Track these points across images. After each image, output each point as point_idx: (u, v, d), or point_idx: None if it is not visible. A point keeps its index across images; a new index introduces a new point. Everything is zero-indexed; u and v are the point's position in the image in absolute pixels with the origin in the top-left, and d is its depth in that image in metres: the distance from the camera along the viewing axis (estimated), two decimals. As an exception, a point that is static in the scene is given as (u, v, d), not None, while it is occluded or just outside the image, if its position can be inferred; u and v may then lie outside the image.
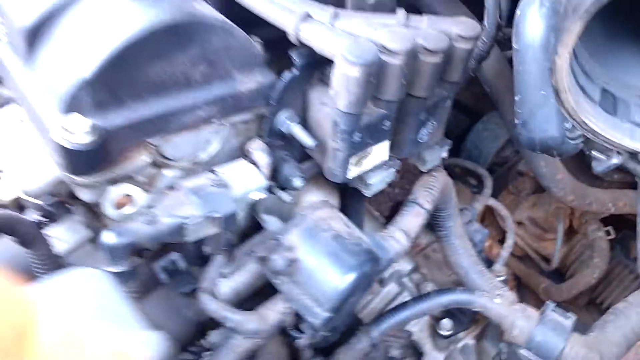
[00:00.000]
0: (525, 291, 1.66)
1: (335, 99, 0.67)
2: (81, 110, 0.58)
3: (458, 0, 0.95)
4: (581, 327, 1.71)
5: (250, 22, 0.69)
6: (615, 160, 0.54)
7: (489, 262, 1.20)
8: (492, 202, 1.24)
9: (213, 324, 0.75)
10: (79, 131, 0.56)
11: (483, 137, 1.49)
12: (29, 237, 0.59)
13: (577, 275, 1.48)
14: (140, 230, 0.60)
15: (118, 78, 0.58)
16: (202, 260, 0.75)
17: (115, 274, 0.59)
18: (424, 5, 0.94)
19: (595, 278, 1.44)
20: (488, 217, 1.53)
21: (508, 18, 0.87)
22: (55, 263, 0.62)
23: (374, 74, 0.65)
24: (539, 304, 1.68)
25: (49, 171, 0.63)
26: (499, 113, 1.09)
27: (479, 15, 0.92)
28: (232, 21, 0.66)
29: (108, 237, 0.59)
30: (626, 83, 0.52)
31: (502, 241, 1.41)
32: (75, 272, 0.43)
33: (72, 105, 0.58)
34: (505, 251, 1.18)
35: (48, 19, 0.61)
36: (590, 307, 1.62)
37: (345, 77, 0.64)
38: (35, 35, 0.61)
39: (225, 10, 0.68)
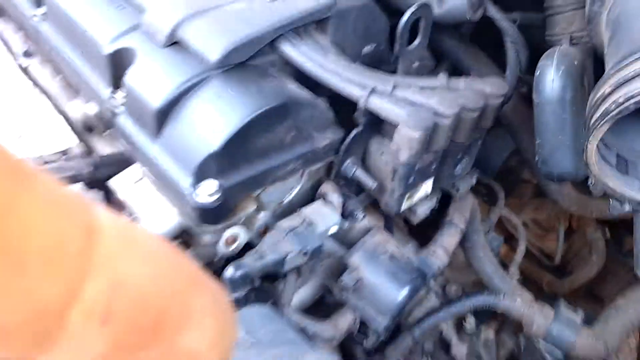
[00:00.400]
0: (529, 285, 1.86)
1: (396, 152, 0.84)
2: (207, 176, 0.74)
3: (484, 56, 1.12)
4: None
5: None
6: (627, 207, 0.71)
7: (503, 265, 1.39)
8: (505, 212, 1.42)
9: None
10: (209, 193, 0.72)
11: (491, 149, 1.66)
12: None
13: (577, 271, 1.67)
14: (252, 264, 0.77)
15: (236, 150, 0.75)
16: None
17: (235, 299, 0.75)
18: (458, 61, 1.11)
19: (594, 273, 1.63)
20: (498, 223, 1.70)
21: (526, 68, 1.04)
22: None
23: (429, 134, 0.82)
24: (541, 296, 1.89)
25: (172, 218, 0.79)
26: (512, 138, 1.28)
27: (500, 62, 1.09)
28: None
29: (229, 271, 0.75)
30: (633, 148, 0.69)
31: (507, 240, 1.60)
32: (250, 308, 0.59)
33: (201, 171, 0.74)
34: (518, 256, 1.36)
35: (175, 103, 0.76)
36: (589, 297, 1.82)
37: (407, 138, 0.81)
38: (165, 115, 0.77)
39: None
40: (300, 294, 0.98)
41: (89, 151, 0.92)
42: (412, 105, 0.83)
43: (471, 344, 1.29)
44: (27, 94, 1.05)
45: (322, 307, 1.06)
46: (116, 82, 0.86)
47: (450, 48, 1.15)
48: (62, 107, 1.08)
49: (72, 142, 0.95)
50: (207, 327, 0.40)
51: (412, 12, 0.85)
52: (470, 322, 1.26)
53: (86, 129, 1.05)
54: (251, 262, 0.76)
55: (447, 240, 1.03)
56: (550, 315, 1.09)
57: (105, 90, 0.87)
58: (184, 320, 0.38)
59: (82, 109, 1.02)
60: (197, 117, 0.75)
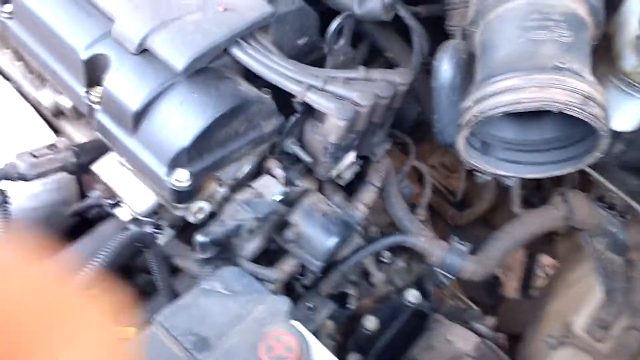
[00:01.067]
0: (437, 217, 2.20)
1: (326, 135, 1.07)
2: (179, 165, 0.94)
3: (397, 37, 1.34)
4: (479, 239, 2.29)
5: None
6: (488, 177, 0.99)
7: (412, 206, 1.69)
8: (416, 163, 1.71)
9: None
10: (182, 180, 0.92)
11: (404, 110, 1.93)
12: (150, 242, 0.96)
13: (474, 206, 2.02)
14: (216, 230, 0.99)
15: (201, 144, 0.94)
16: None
17: (204, 259, 0.98)
18: (375, 42, 1.32)
19: (487, 207, 1.98)
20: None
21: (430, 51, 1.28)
22: (160, 255, 1.00)
23: (352, 121, 1.05)
24: (446, 225, 2.25)
25: (151, 198, 0.99)
26: (418, 103, 1.54)
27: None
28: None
29: (198, 237, 0.97)
30: (492, 134, 0.96)
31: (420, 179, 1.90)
32: (224, 269, 0.82)
33: (175, 162, 0.93)
34: (424, 199, 1.66)
35: (149, 105, 0.94)
36: (484, 225, 2.20)
37: (334, 126, 1.04)
38: (141, 116, 0.94)
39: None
40: (252, 245, 1.22)
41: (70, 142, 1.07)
42: (339, 98, 1.05)
43: (387, 272, 1.60)
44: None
45: (268, 254, 1.31)
46: (90, 82, 1.01)
47: (369, 31, 1.36)
48: (30, 95, 1.21)
49: (48, 134, 1.10)
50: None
51: (338, 23, 1.05)
52: (385, 255, 1.56)
53: (55, 115, 1.19)
54: (216, 229, 0.98)
55: (366, 196, 1.29)
56: (445, 247, 1.40)
57: (80, 88, 1.02)
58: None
59: (52, 97, 1.16)
60: (169, 117, 0.94)
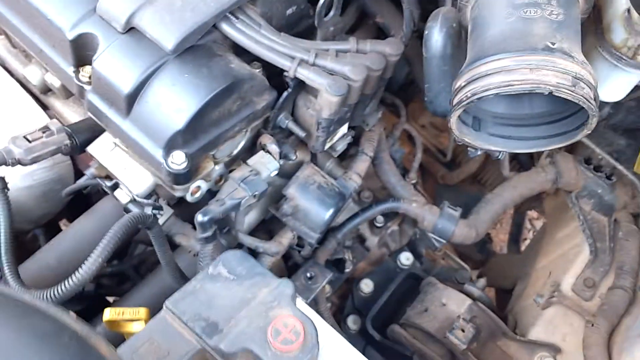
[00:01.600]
0: (428, 176, 2.23)
1: (320, 111, 1.07)
2: (175, 147, 0.94)
3: (394, 7, 1.32)
4: (469, 197, 2.33)
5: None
6: (479, 152, 1.01)
7: (404, 170, 1.71)
8: (407, 127, 1.71)
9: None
10: (179, 162, 0.93)
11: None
12: (151, 223, 0.98)
13: (464, 165, 2.05)
14: (216, 210, 1.01)
15: (196, 125, 0.94)
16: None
17: (205, 238, 1.00)
18: (365, 5, 1.30)
19: (476, 166, 2.01)
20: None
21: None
22: (162, 234, 1.02)
23: (345, 96, 1.05)
24: (436, 183, 2.27)
25: (148, 179, 1.00)
26: (408, 66, 1.54)
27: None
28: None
29: (199, 216, 0.99)
30: (483, 109, 0.96)
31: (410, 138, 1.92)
32: (228, 253, 0.84)
33: (170, 145, 0.94)
34: (415, 162, 1.67)
35: (141, 87, 0.93)
36: (474, 183, 2.24)
37: (327, 101, 1.04)
38: (133, 98, 0.94)
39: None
40: (249, 219, 1.24)
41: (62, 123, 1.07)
42: (330, 73, 1.04)
43: (380, 235, 1.64)
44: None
45: (264, 222, 1.34)
46: (78, 62, 1.00)
47: (359, -3, 1.34)
48: (17, 72, 1.19)
49: (38, 113, 1.09)
50: None
51: (328, -5, 1.03)
52: (379, 220, 1.59)
53: (43, 92, 1.18)
54: (215, 209, 1.00)
55: (360, 166, 1.31)
56: (437, 212, 1.43)
57: (68, 68, 1.01)
58: None
59: (39, 75, 1.14)
60: (162, 99, 0.93)
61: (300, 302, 0.79)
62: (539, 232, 1.98)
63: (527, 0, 0.82)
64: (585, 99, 0.76)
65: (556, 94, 0.76)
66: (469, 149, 1.00)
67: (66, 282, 0.88)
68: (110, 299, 1.42)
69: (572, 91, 0.76)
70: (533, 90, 0.77)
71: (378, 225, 1.60)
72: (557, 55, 0.77)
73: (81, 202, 1.30)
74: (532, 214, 2.64)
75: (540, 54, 0.77)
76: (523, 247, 2.33)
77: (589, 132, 0.85)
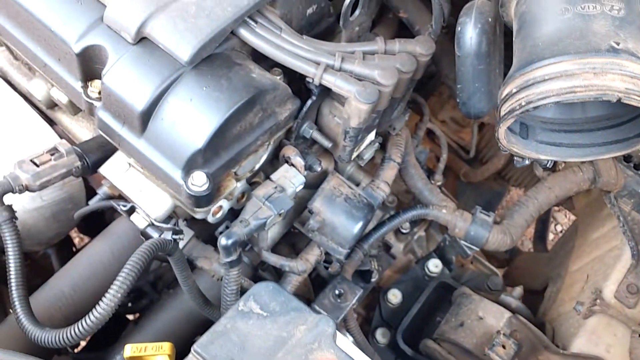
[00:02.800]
0: (449, 173, 2.14)
1: (348, 119, 0.99)
2: (194, 167, 0.86)
3: (419, 2, 1.23)
4: (492, 193, 2.25)
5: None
6: (527, 162, 0.92)
7: (429, 171, 1.63)
8: (430, 125, 1.63)
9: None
10: (200, 184, 0.85)
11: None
12: (172, 249, 0.90)
13: (489, 163, 1.96)
14: (240, 232, 0.93)
15: (217, 142, 0.87)
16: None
17: (229, 262, 0.93)
18: (394, 7, 1.22)
19: (502, 163, 1.92)
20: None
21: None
22: (184, 260, 0.94)
23: (375, 103, 0.97)
24: (457, 179, 2.19)
25: (166, 202, 0.92)
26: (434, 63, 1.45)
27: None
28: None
29: (222, 240, 0.91)
30: (532, 114, 0.88)
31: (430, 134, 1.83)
32: (259, 285, 0.76)
33: (190, 165, 0.86)
34: (441, 163, 1.59)
35: (156, 103, 0.85)
36: (498, 179, 2.15)
37: (357, 110, 0.96)
38: (148, 115, 0.86)
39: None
40: (272, 234, 1.17)
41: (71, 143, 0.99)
42: (359, 78, 0.96)
43: (406, 242, 1.56)
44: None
45: (286, 236, 1.26)
46: (86, 76, 0.92)
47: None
48: (20, 85, 1.11)
49: (45, 130, 1.01)
50: None
51: (355, -6, 0.95)
52: (405, 226, 1.51)
53: (49, 107, 1.10)
54: (239, 231, 0.92)
55: (387, 173, 1.22)
56: (469, 219, 1.34)
57: (75, 82, 0.93)
58: None
59: (44, 90, 1.07)
60: (179, 116, 0.85)
61: (342, 339, 0.71)
62: (569, 230, 1.89)
63: (584, -6, 0.73)
64: (658, 105, 0.68)
65: (625, 101, 0.68)
66: (515, 159, 0.92)
67: (85, 322, 0.81)
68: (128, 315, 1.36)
69: (643, 97, 0.67)
70: (599, 98, 0.68)
71: (404, 231, 1.52)
72: (623, 57, 0.69)
73: (93, 213, 1.22)
74: (557, 213, 2.55)
75: (605, 56, 0.69)
76: (549, 245, 2.25)
77: (655, 139, 0.76)
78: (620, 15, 0.73)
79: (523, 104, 0.73)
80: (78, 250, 1.54)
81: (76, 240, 1.94)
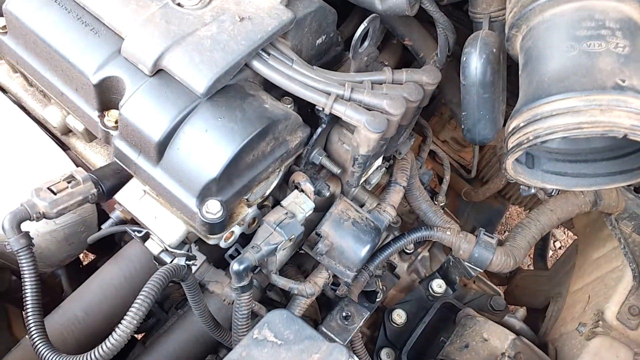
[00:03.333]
0: (449, 191, 2.17)
1: (357, 147, 1.01)
2: (209, 195, 0.88)
3: (416, 23, 1.26)
4: (492, 212, 2.27)
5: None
6: (533, 190, 0.95)
7: (432, 192, 1.65)
8: (433, 147, 1.66)
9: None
10: (215, 212, 0.87)
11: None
12: (185, 275, 0.92)
13: (490, 182, 1.98)
14: (251, 257, 0.95)
15: (231, 170, 0.89)
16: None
17: (241, 287, 0.94)
18: (392, 28, 1.24)
19: (503, 183, 1.94)
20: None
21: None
22: (196, 285, 0.96)
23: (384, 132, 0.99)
24: (459, 199, 2.20)
25: (180, 228, 0.94)
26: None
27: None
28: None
29: (234, 265, 0.93)
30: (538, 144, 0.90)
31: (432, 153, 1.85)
32: (273, 313, 0.78)
33: (204, 193, 0.88)
34: (444, 185, 1.62)
35: (172, 133, 0.88)
36: (499, 197, 2.17)
37: (366, 138, 0.98)
38: (164, 145, 0.88)
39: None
40: (280, 257, 1.18)
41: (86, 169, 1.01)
42: (368, 107, 0.98)
43: (410, 261, 1.58)
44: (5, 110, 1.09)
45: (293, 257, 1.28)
46: (103, 106, 0.94)
47: (387, 20, 1.28)
48: (34, 111, 1.13)
49: (60, 157, 1.03)
50: None
51: (365, 26, 0.97)
52: (409, 246, 1.53)
53: (63, 133, 1.13)
54: (251, 256, 0.94)
55: (393, 197, 1.25)
56: (473, 241, 1.37)
57: (92, 112, 0.95)
58: None
59: (59, 116, 1.09)
60: (194, 146, 0.88)
61: (356, 367, 0.73)
62: (569, 249, 1.91)
63: (589, 32, 0.76)
64: (662, 141, 0.70)
65: (631, 138, 0.70)
66: (521, 187, 0.94)
67: (101, 349, 0.83)
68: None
69: (647, 134, 0.70)
70: (605, 134, 0.71)
71: (408, 251, 1.55)
72: (628, 94, 0.71)
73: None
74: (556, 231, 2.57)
75: (611, 93, 0.71)
76: (549, 262, 2.27)
77: (659, 172, 0.79)
78: (625, 53, 0.75)
79: (531, 137, 0.76)
80: (85, 268, 1.56)
81: (81, 255, 1.95)
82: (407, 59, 1.55)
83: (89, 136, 1.05)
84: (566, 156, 0.89)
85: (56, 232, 1.13)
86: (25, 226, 0.94)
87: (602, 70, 0.74)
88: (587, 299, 1.49)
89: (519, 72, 0.89)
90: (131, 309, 0.84)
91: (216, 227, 0.90)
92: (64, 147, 1.13)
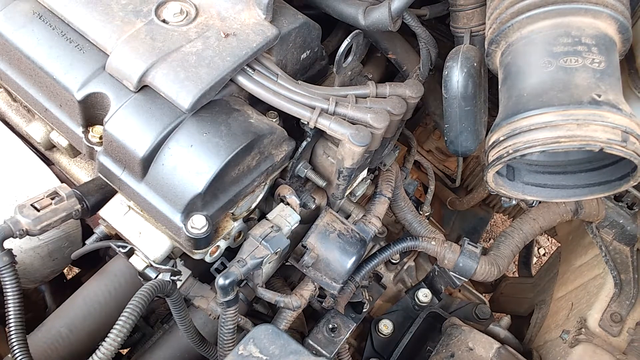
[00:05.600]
0: (434, 200, 2.18)
1: (341, 160, 1.02)
2: (194, 210, 0.89)
3: (400, 37, 1.28)
4: (477, 220, 2.28)
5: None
6: (514, 201, 0.96)
7: (417, 202, 1.67)
8: (418, 157, 1.67)
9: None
10: (200, 227, 0.88)
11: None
12: (170, 290, 0.92)
13: (474, 192, 2.01)
14: (237, 272, 0.95)
15: (216, 185, 0.89)
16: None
17: (227, 302, 0.94)
18: (376, 42, 1.26)
19: (487, 192, 1.96)
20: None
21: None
22: (182, 301, 0.96)
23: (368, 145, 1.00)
24: (442, 206, 2.22)
25: (165, 243, 0.94)
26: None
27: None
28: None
29: (220, 280, 0.93)
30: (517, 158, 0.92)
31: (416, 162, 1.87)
32: (258, 329, 0.78)
33: (189, 208, 0.88)
34: (429, 195, 1.63)
35: (157, 149, 0.88)
36: (483, 205, 2.20)
37: (351, 151, 0.99)
38: (149, 161, 0.88)
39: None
40: (266, 270, 1.19)
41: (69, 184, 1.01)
42: (352, 121, 1.00)
43: (396, 272, 1.59)
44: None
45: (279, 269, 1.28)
46: (87, 122, 0.94)
47: (371, 34, 1.30)
48: (18, 127, 1.13)
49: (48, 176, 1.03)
50: None
51: (348, 42, 0.99)
52: (395, 256, 1.54)
53: (47, 149, 1.12)
54: (236, 271, 0.94)
55: (379, 208, 1.26)
56: (457, 250, 1.38)
57: (76, 128, 0.95)
58: None
59: (43, 132, 1.08)
60: (179, 161, 0.88)
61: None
62: (552, 257, 1.94)
63: (566, 48, 0.78)
64: (637, 154, 0.72)
65: (607, 151, 0.72)
66: (502, 199, 0.96)
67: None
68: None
69: (623, 147, 0.72)
70: (582, 148, 0.73)
71: (394, 261, 1.56)
72: (604, 109, 0.73)
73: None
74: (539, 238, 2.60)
75: (587, 108, 0.73)
76: (533, 268, 2.29)
77: (635, 183, 0.81)
78: (600, 68, 0.78)
79: (510, 151, 0.78)
80: (69, 283, 1.54)
81: (65, 270, 1.93)
82: (391, 71, 1.57)
83: (73, 151, 1.05)
84: (546, 168, 0.91)
85: (40, 248, 1.12)
86: (8, 243, 0.93)
87: (579, 85, 0.76)
88: (570, 306, 1.51)
89: (499, 87, 0.91)
90: (116, 325, 0.83)
91: (201, 242, 0.90)
92: (48, 162, 1.13)
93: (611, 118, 0.73)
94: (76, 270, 1.62)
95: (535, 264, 2.91)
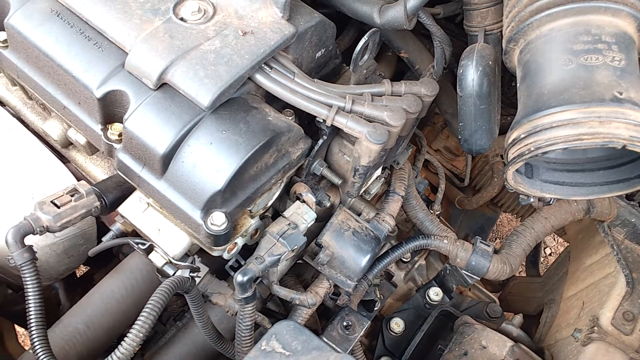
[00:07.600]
0: (444, 200, 2.19)
1: (358, 158, 1.03)
2: (213, 207, 0.89)
3: (412, 36, 1.28)
4: (484, 219, 2.28)
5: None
6: (532, 199, 0.96)
7: (427, 201, 1.67)
8: (428, 156, 1.67)
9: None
10: (220, 223, 0.88)
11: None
12: (189, 287, 0.92)
13: (483, 191, 2.01)
14: (256, 268, 0.95)
15: (235, 183, 0.90)
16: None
17: (245, 298, 0.95)
18: (389, 41, 1.26)
19: (496, 191, 1.97)
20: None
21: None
22: (200, 297, 0.96)
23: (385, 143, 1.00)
24: (450, 205, 2.22)
25: (184, 240, 0.95)
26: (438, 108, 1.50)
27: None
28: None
29: (238, 277, 0.94)
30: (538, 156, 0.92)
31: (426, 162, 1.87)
32: (280, 324, 0.79)
33: (209, 205, 0.89)
34: (439, 194, 1.63)
35: (177, 147, 0.88)
36: (491, 205, 2.20)
37: (368, 149, 0.99)
38: (169, 158, 0.89)
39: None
40: (282, 268, 1.19)
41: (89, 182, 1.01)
42: (369, 119, 1.00)
43: (407, 270, 1.60)
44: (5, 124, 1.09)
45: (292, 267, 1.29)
46: (106, 119, 0.95)
47: (385, 33, 1.31)
48: (34, 124, 1.13)
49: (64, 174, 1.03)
50: None
51: (365, 40, 0.99)
52: (406, 255, 1.54)
53: (64, 147, 1.13)
54: (254, 268, 0.95)
55: (392, 206, 1.26)
56: (470, 249, 1.38)
57: (95, 125, 0.96)
58: None
59: (60, 129, 1.09)
60: (199, 159, 0.88)
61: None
62: (561, 256, 1.94)
63: (586, 46, 0.79)
64: (659, 152, 0.72)
65: (630, 148, 0.72)
66: (520, 196, 0.96)
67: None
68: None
69: (646, 144, 0.72)
70: (605, 145, 0.73)
71: (405, 260, 1.56)
72: (626, 106, 0.73)
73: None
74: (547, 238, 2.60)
75: (609, 105, 0.74)
76: (542, 270, 2.30)
77: (655, 181, 0.81)
78: (621, 66, 0.78)
79: (532, 149, 0.78)
80: (80, 280, 1.55)
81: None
82: (401, 70, 1.58)
83: (91, 149, 1.05)
84: (564, 166, 0.91)
85: (56, 245, 1.13)
86: (28, 240, 0.94)
87: (600, 83, 0.76)
88: (581, 305, 1.51)
89: (518, 85, 0.91)
90: (137, 321, 0.84)
91: (221, 239, 0.90)
92: (64, 160, 1.13)
93: (633, 115, 0.73)
94: (84, 268, 1.63)
95: (542, 263, 2.91)
